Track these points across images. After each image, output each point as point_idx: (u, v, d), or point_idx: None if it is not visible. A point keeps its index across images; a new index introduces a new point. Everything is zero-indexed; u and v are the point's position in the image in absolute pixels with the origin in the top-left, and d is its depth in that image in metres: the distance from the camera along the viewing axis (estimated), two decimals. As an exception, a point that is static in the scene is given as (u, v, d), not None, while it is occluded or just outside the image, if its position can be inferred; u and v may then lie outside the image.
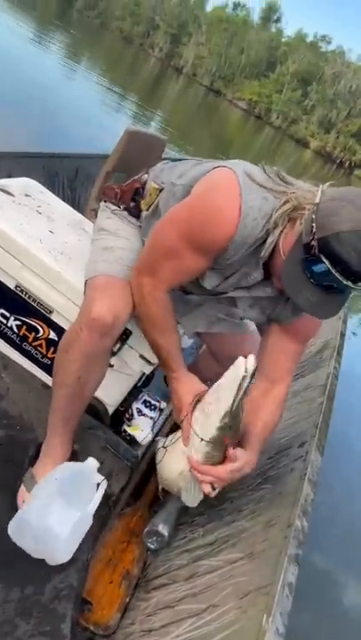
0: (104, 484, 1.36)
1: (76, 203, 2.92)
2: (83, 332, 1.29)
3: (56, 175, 2.88)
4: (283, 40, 75.94)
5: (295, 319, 1.38)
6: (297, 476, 1.41)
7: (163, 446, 1.53)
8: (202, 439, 1.30)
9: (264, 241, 1.23)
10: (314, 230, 1.09)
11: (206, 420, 1.30)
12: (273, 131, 56.07)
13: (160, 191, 1.47)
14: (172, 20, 77.27)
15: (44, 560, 1.22)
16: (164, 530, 1.46)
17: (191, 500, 1.38)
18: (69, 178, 2.98)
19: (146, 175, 1.59)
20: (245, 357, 1.23)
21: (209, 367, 1.83)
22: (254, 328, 1.62)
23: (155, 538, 1.47)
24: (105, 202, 1.66)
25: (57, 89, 11.12)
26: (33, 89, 9.03)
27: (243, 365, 1.22)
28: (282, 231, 1.20)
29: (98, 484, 1.34)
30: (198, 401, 1.37)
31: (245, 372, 1.21)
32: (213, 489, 1.31)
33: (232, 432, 1.28)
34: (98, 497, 1.32)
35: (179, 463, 1.40)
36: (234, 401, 1.23)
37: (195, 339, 2.08)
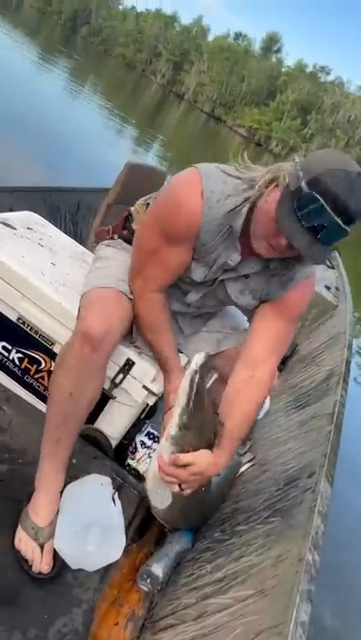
0: (116, 497, 1.41)
1: (78, 236, 2.95)
2: (74, 347, 1.29)
3: (58, 209, 2.92)
4: (283, 70, 77.44)
5: (283, 294, 1.41)
6: (307, 508, 1.37)
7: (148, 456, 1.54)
8: (165, 439, 1.29)
9: (235, 220, 1.29)
10: (300, 176, 1.13)
11: (171, 419, 1.29)
12: (273, 158, 56.67)
13: (147, 206, 1.56)
14: (175, 48, 79.05)
15: (47, 601, 1.17)
16: (157, 570, 1.38)
17: (159, 500, 1.38)
18: (71, 212, 3.03)
19: (132, 207, 1.66)
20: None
21: (219, 392, 1.80)
22: None
23: (148, 579, 1.38)
24: (100, 242, 1.70)
25: (60, 115, 11.31)
26: (35, 115, 9.16)
27: (194, 361, 1.22)
28: (255, 201, 1.25)
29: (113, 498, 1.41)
30: None
31: (195, 366, 1.21)
32: (181, 489, 1.31)
33: (192, 433, 1.27)
34: (119, 506, 1.40)
35: (154, 466, 1.38)
36: (187, 398, 1.23)
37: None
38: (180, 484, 1.31)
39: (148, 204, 1.57)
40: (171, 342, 1.48)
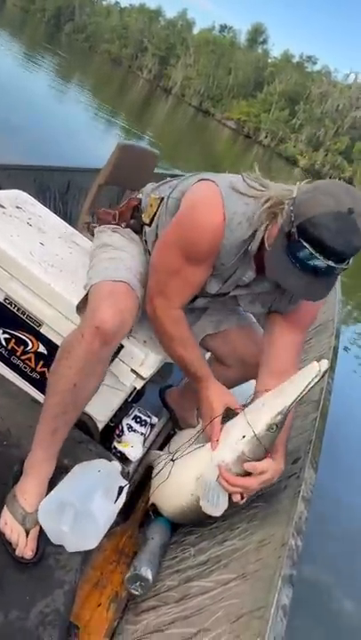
0: (127, 489, 1.39)
1: (67, 216, 2.91)
2: (84, 339, 1.28)
3: (48, 189, 2.87)
4: (269, 61, 77.14)
5: (293, 308, 1.46)
6: (291, 494, 1.38)
7: (171, 459, 1.51)
8: (243, 436, 1.29)
9: (251, 240, 1.32)
10: (292, 219, 1.18)
11: (257, 415, 1.30)
12: (262, 149, 56.75)
13: (161, 200, 1.53)
14: (160, 43, 78.48)
15: (29, 583, 1.17)
16: (147, 573, 1.34)
17: (214, 508, 1.34)
18: (61, 191, 2.97)
19: (140, 194, 1.65)
20: (318, 362, 1.25)
21: (216, 374, 1.82)
22: (255, 320, 1.75)
23: (138, 583, 1.34)
24: (102, 225, 1.68)
25: (47, 110, 11.23)
26: (23, 110, 9.09)
27: (317, 366, 1.24)
28: (266, 227, 1.29)
29: (121, 487, 1.39)
30: (230, 409, 1.41)
31: (319, 370, 1.23)
32: (242, 497, 1.32)
33: (276, 434, 1.29)
34: (123, 498, 1.37)
35: (195, 469, 1.39)
36: (296, 398, 1.25)
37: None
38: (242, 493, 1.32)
39: (162, 198, 1.53)
40: (199, 351, 1.51)
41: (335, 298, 3.76)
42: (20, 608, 1.11)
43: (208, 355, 1.89)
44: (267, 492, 1.49)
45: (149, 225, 1.57)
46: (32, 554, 1.22)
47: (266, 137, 66.13)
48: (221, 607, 1.08)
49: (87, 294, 1.42)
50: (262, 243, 1.30)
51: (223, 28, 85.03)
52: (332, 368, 2.40)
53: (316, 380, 1.23)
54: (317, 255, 1.16)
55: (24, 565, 1.20)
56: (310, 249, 1.16)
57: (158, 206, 1.53)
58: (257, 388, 1.50)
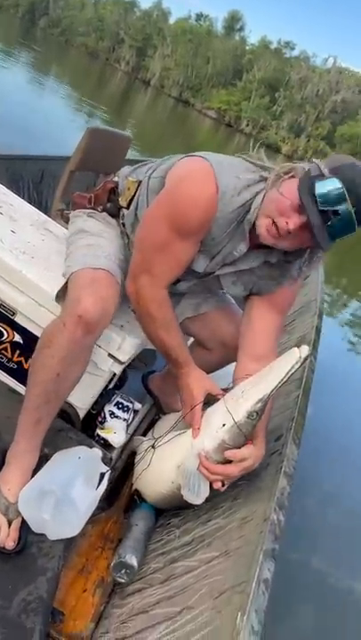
0: (108, 475, 1.38)
1: (42, 206, 2.87)
2: (67, 328, 1.26)
3: (21, 178, 2.83)
4: (247, 48, 76.81)
5: (274, 290, 1.45)
6: (273, 470, 1.38)
7: (152, 446, 1.50)
8: (223, 424, 1.28)
9: (245, 213, 1.29)
10: (323, 168, 1.18)
11: (236, 403, 1.28)
12: (244, 137, 56.56)
13: (139, 184, 1.50)
14: (137, 34, 77.83)
15: (11, 572, 1.16)
16: (132, 560, 1.33)
17: (195, 497, 1.33)
18: (35, 181, 2.93)
19: (116, 177, 1.61)
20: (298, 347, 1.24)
21: (199, 358, 1.81)
22: (233, 301, 1.72)
23: (123, 571, 1.32)
24: (77, 210, 1.64)
25: (25, 105, 11.08)
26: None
27: (297, 352, 1.22)
28: (264, 195, 1.26)
29: (102, 474, 1.38)
30: (210, 395, 1.39)
31: (299, 357, 1.21)
32: (223, 484, 1.31)
33: (256, 422, 1.27)
34: (104, 484, 1.35)
35: (176, 457, 1.38)
36: (276, 386, 1.23)
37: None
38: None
39: (140, 181, 1.50)
40: (182, 336, 1.46)
41: (318, 279, 3.77)
42: (3, 597, 1.10)
43: (191, 340, 1.89)
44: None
45: (127, 208, 1.53)
46: (14, 544, 1.21)
47: (247, 125, 65.99)
48: (204, 585, 1.08)
49: (67, 282, 1.39)
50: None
51: (199, 16, 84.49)
52: (314, 347, 2.40)
53: (296, 367, 1.21)
54: (347, 196, 1.15)
55: (6, 555, 1.19)
56: (343, 187, 1.14)
57: (136, 189, 1.50)
58: (236, 372, 1.48)
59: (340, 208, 1.15)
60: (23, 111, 9.98)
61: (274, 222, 1.23)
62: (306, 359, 1.22)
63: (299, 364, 1.21)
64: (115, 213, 1.59)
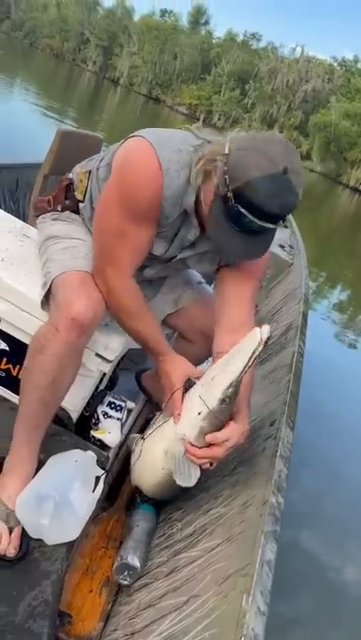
0: (104, 477, 1.38)
1: (20, 214, 2.84)
2: (60, 332, 1.26)
3: None
4: (214, 42, 76.68)
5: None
6: (269, 455, 1.38)
7: (142, 438, 1.51)
8: (199, 412, 1.29)
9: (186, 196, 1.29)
10: (227, 182, 1.16)
11: (208, 391, 1.29)
12: (218, 132, 56.51)
13: (89, 174, 1.50)
14: (102, 33, 77.23)
15: (15, 578, 1.15)
16: (134, 561, 1.31)
17: (187, 480, 1.34)
18: (10, 189, 2.91)
19: (70, 174, 1.62)
20: (260, 328, 1.24)
21: (182, 351, 1.81)
22: (211, 291, 1.72)
23: (126, 572, 1.30)
24: (41, 215, 1.64)
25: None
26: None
27: (258, 334, 1.21)
28: (200, 185, 1.26)
29: (98, 477, 1.37)
30: (191, 380, 1.38)
31: (260, 339, 1.20)
32: (211, 465, 1.32)
33: (230, 405, 1.28)
34: (100, 487, 1.35)
35: (162, 444, 1.39)
36: (243, 370, 1.23)
37: (166, 333, 2.05)
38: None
39: (90, 171, 1.51)
40: (157, 325, 1.46)
41: (301, 266, 3.79)
42: (9, 604, 1.09)
43: (176, 335, 1.89)
44: (246, 456, 1.49)
45: (83, 201, 1.54)
46: (15, 552, 1.20)
47: (219, 119, 65.94)
48: (209, 572, 1.08)
49: (49, 289, 1.39)
50: (198, 199, 1.28)
51: (164, 12, 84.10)
52: (303, 332, 2.41)
53: (259, 349, 1.21)
54: (255, 219, 1.16)
55: (9, 562, 1.18)
56: (248, 214, 1.16)
57: (88, 180, 1.50)
58: (214, 347, 1.47)
59: (255, 226, 1.19)
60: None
61: None
62: (267, 340, 1.21)
63: (261, 345, 1.20)
64: (75, 209, 1.58)
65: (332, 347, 5.93)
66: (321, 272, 9.27)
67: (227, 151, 1.19)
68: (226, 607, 0.92)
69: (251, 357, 1.22)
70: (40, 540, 1.25)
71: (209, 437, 1.28)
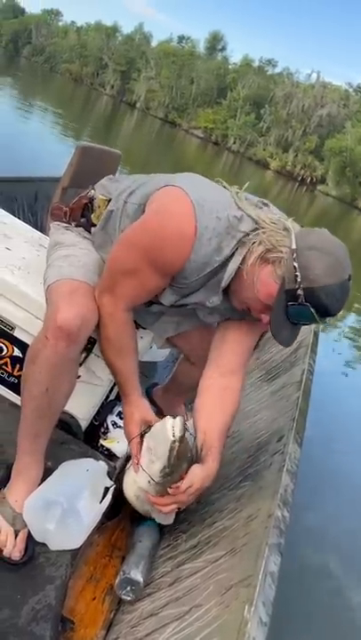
0: (113, 489, 1.38)
1: (38, 226, 2.89)
2: (49, 341, 1.25)
3: (15, 200, 2.86)
4: (230, 67, 77.86)
5: (249, 318, 1.43)
6: (276, 469, 1.39)
7: (126, 468, 1.50)
8: (149, 481, 1.31)
9: (221, 266, 1.29)
10: (299, 280, 1.18)
11: (150, 464, 1.31)
12: (232, 155, 57.17)
13: (108, 202, 1.49)
14: (120, 58, 78.72)
15: (20, 582, 1.16)
16: (137, 576, 1.29)
17: (165, 519, 1.39)
18: (29, 202, 2.96)
19: (93, 191, 1.60)
20: (174, 417, 1.27)
21: (188, 374, 1.82)
22: None
23: (128, 588, 1.28)
24: (55, 221, 1.65)
25: (11, 132, 11.20)
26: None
27: (170, 429, 1.25)
28: (243, 259, 1.27)
29: (107, 488, 1.38)
30: (147, 430, 1.38)
31: (173, 437, 1.24)
32: (179, 509, 1.35)
33: (176, 475, 1.29)
34: (108, 498, 1.35)
35: (133, 489, 1.40)
36: (169, 460, 1.26)
37: (170, 350, 2.06)
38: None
39: (110, 200, 1.49)
40: (135, 366, 1.43)
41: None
42: (12, 607, 1.10)
43: (181, 356, 1.90)
44: (252, 471, 1.49)
45: (96, 225, 1.53)
46: (20, 555, 1.21)
47: (234, 142, 66.62)
48: (212, 583, 1.08)
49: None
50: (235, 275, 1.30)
51: (181, 38, 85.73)
52: (313, 350, 2.42)
53: (176, 446, 1.24)
54: (317, 317, 1.21)
55: (13, 565, 1.19)
56: (315, 314, 1.21)
57: (106, 207, 1.49)
58: (201, 382, 1.49)
59: (310, 322, 1.26)
60: (11, 138, 10.09)
61: (248, 310, 1.33)
62: (182, 438, 1.24)
63: (177, 442, 1.24)
64: (89, 229, 1.58)
65: (342, 367, 5.90)
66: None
67: (294, 246, 1.21)
68: (228, 617, 0.92)
69: (170, 456, 1.25)
70: (45, 544, 1.26)
71: (171, 491, 1.29)
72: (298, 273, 1.18)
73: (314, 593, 2.32)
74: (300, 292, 1.19)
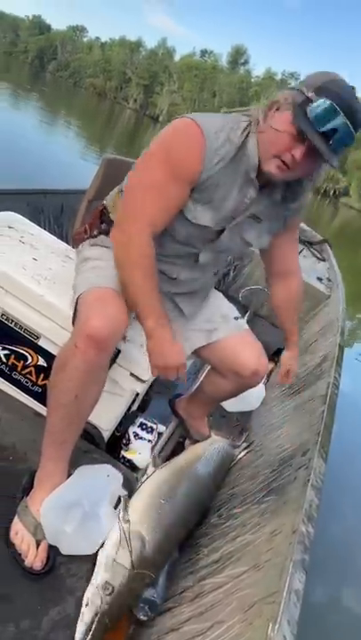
0: (126, 500, 1.39)
1: (64, 238, 2.91)
2: (79, 349, 1.25)
3: (41, 212, 2.90)
4: (253, 80, 78.26)
5: (288, 222, 1.58)
6: (300, 484, 1.36)
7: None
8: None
9: (240, 155, 1.33)
10: (305, 91, 1.24)
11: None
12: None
13: (120, 192, 1.52)
14: (143, 73, 79.85)
15: (40, 593, 1.15)
16: (153, 595, 1.27)
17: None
18: (55, 214, 3.00)
19: (105, 201, 1.63)
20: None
21: (216, 386, 1.81)
22: (247, 327, 1.77)
23: (143, 606, 1.25)
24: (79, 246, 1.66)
25: (37, 146, 11.38)
26: (13, 149, 9.23)
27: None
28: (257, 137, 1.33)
29: (120, 497, 1.39)
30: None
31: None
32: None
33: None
34: (120, 508, 1.36)
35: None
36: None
37: (193, 361, 2.05)
38: None
39: (122, 190, 1.51)
40: (157, 285, 1.36)
41: (339, 298, 3.77)
42: (32, 617, 1.10)
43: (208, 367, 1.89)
44: (276, 485, 1.47)
45: None
46: (41, 564, 1.21)
47: (256, 154, 66.71)
48: (235, 599, 1.06)
49: (76, 307, 1.40)
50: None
51: (204, 52, 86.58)
52: (338, 363, 2.39)
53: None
54: (340, 109, 1.21)
55: (35, 576, 1.19)
56: (333, 103, 1.21)
57: (120, 198, 1.50)
58: (273, 300, 1.80)
59: (336, 123, 1.22)
60: (38, 151, 10.25)
61: (281, 159, 1.29)
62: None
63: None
64: (109, 232, 1.56)
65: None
66: (357, 313, 9.09)
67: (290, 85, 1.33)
68: (251, 634, 0.90)
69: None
70: (66, 555, 1.25)
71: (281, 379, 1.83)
72: (304, 87, 1.25)
73: (337, 612, 2.27)
74: (310, 94, 1.23)
